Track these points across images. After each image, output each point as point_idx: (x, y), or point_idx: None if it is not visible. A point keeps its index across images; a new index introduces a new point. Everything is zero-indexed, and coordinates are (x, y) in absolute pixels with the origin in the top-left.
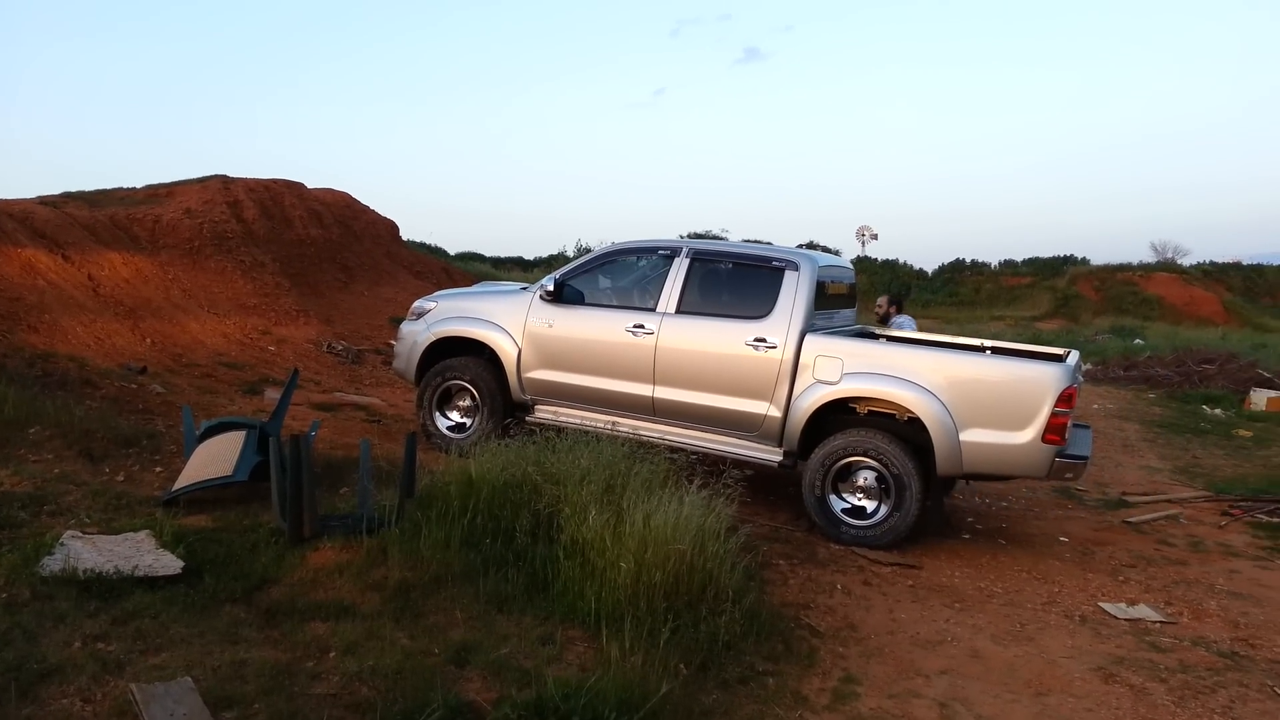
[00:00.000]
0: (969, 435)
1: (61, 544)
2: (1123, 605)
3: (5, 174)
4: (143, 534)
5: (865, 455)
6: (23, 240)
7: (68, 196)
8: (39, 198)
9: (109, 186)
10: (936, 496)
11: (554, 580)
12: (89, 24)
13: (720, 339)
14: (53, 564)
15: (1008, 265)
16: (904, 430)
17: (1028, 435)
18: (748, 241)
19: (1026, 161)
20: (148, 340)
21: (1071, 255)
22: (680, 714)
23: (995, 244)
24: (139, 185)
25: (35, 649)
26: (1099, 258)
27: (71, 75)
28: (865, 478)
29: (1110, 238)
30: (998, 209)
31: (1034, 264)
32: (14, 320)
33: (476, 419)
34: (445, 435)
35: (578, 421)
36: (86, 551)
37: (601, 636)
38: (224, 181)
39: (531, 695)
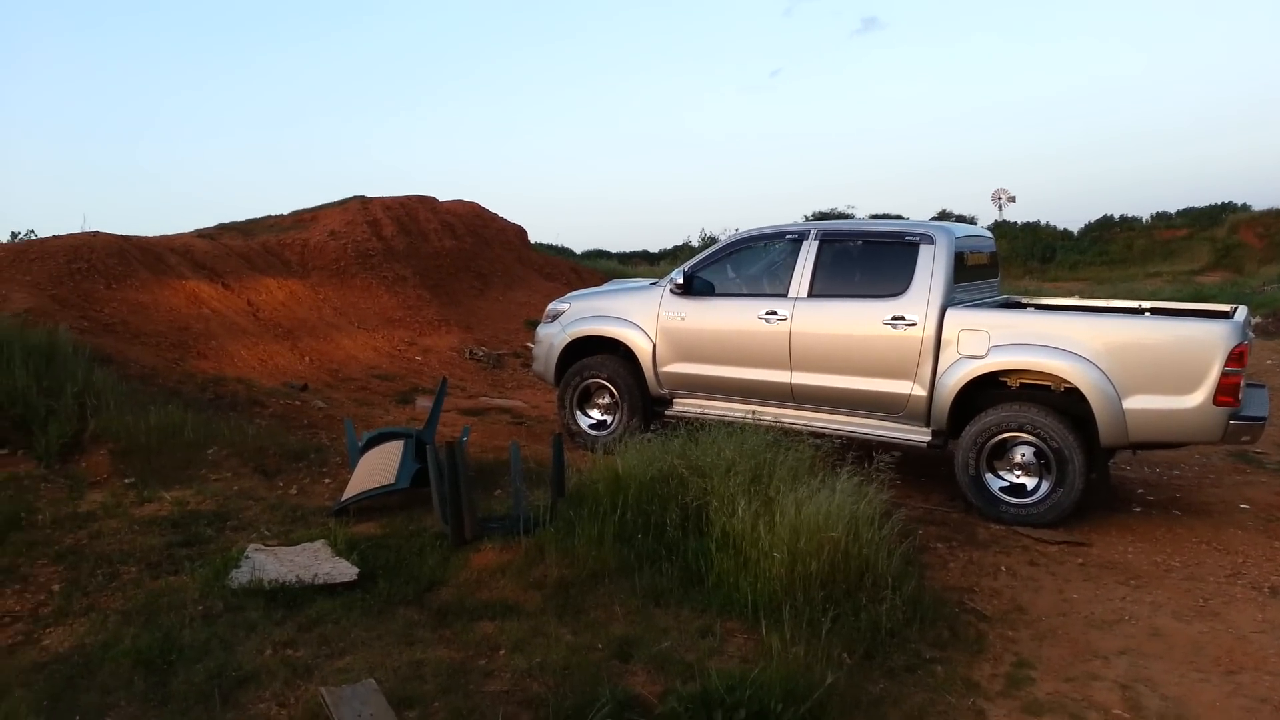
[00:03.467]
0: (1133, 403)
1: (247, 557)
2: None
3: (164, 211)
4: (319, 543)
5: (1021, 430)
6: (186, 273)
7: (222, 228)
8: (197, 231)
9: (258, 215)
10: (1101, 468)
11: (708, 572)
12: (219, 64)
13: (856, 320)
14: (240, 576)
15: (1160, 218)
16: (1061, 401)
17: (1197, 399)
18: (877, 218)
19: (1173, 106)
20: (306, 358)
21: (1230, 202)
22: (848, 704)
23: (1145, 196)
24: (285, 212)
25: (232, 657)
26: (1261, 202)
27: (210, 110)
28: (1023, 454)
29: (1272, 179)
30: (1145, 159)
31: (1189, 214)
32: (184, 349)
33: (617, 416)
34: (588, 433)
35: (717, 412)
36: (269, 563)
37: (761, 627)
38: (362, 202)
39: (696, 688)
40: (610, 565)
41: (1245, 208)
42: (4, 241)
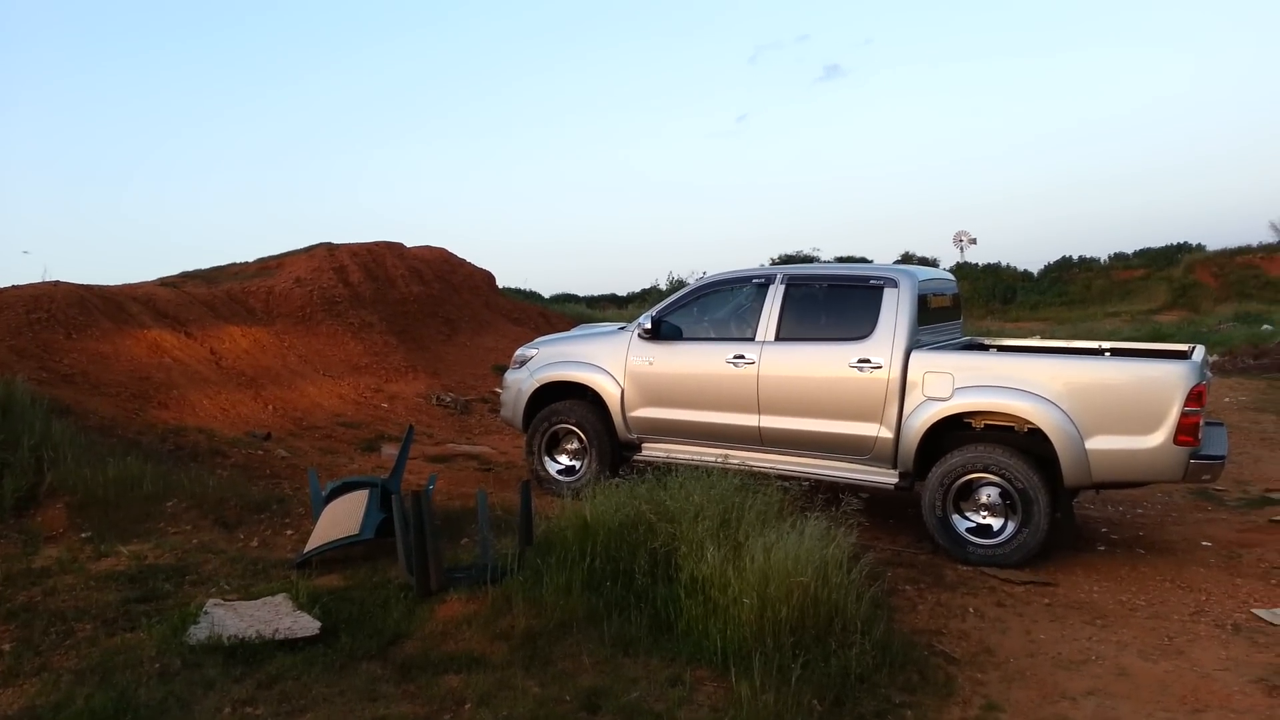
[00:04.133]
0: (1095, 443)
1: (205, 612)
2: (1279, 611)
3: (127, 260)
4: (280, 597)
5: (986, 471)
6: (148, 321)
7: (185, 276)
8: (160, 279)
9: (223, 263)
10: (1066, 508)
11: (677, 620)
12: (183, 111)
13: (823, 363)
14: (199, 632)
15: (1118, 258)
16: (1025, 442)
17: (1158, 439)
18: (842, 261)
19: (1129, 150)
20: (269, 407)
21: (1185, 242)
22: None
23: (1103, 238)
24: (250, 259)
25: (189, 716)
26: (1215, 242)
27: (178, 160)
28: (988, 494)
29: (1226, 221)
30: (1102, 202)
31: (1146, 255)
32: (145, 399)
33: (585, 461)
34: (556, 479)
35: (686, 457)
36: (229, 618)
37: (731, 675)
38: (329, 248)
39: None
40: (578, 614)
41: (1200, 248)
42: None
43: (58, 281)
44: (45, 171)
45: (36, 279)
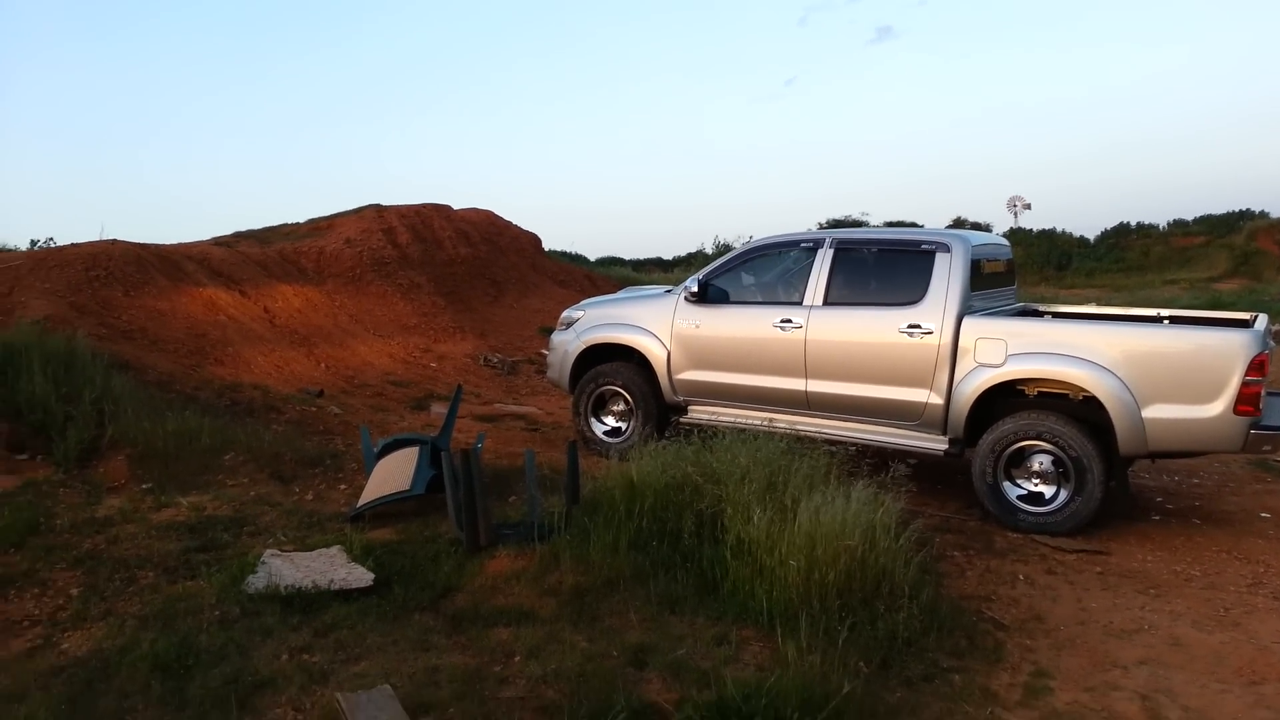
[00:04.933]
0: (1152, 411)
1: (263, 562)
2: None
3: (182, 219)
4: (335, 549)
5: (1039, 439)
6: (203, 280)
7: (239, 236)
8: (214, 239)
9: (275, 223)
10: (1120, 477)
11: (723, 580)
12: (235, 72)
13: (872, 328)
14: (257, 582)
15: (1178, 225)
16: (1080, 410)
17: (1217, 408)
18: (891, 225)
19: (1190, 111)
20: (322, 365)
21: (1248, 209)
22: (864, 714)
23: (1163, 203)
24: (301, 220)
25: (248, 662)
26: (1279, 209)
27: (226, 118)
28: (1041, 462)
29: None
30: (1161, 165)
31: (1207, 221)
32: (202, 355)
33: (631, 422)
34: (602, 440)
35: (732, 420)
36: (286, 568)
37: (777, 636)
38: (378, 210)
39: (712, 696)
40: (625, 572)
41: (1264, 215)
42: (23, 249)
43: (115, 240)
44: (103, 130)
45: (94, 237)
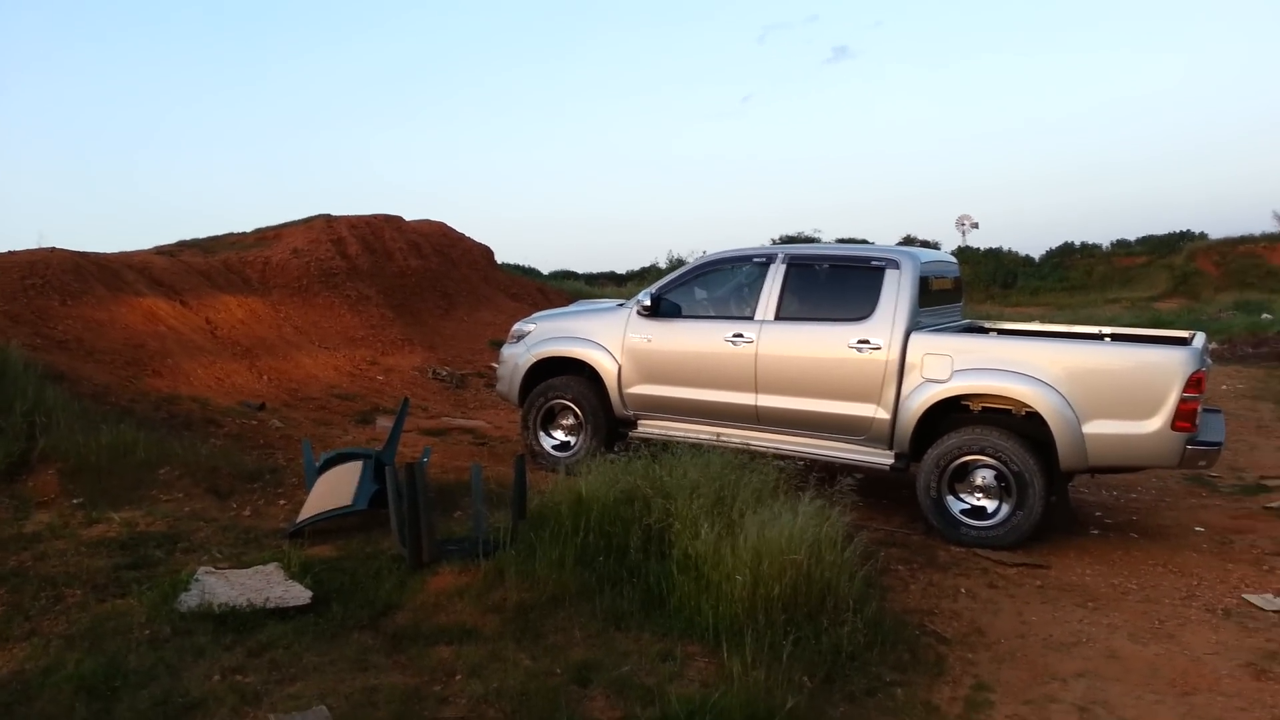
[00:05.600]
0: (1092, 427)
1: (196, 579)
2: (1269, 596)
3: (125, 227)
4: (271, 566)
5: (982, 453)
6: (143, 290)
7: (183, 245)
8: (156, 248)
9: (221, 232)
10: (1060, 492)
11: (669, 595)
12: (185, 78)
13: (822, 343)
14: (189, 600)
15: (1120, 245)
16: (1022, 425)
17: (1156, 424)
18: (843, 242)
19: (1133, 137)
20: (264, 377)
21: (1188, 230)
22: None
23: (1105, 224)
24: (248, 229)
25: (179, 683)
26: (1217, 231)
27: (178, 129)
28: (983, 476)
29: (1228, 209)
30: (1105, 188)
31: (1148, 242)
32: (139, 366)
33: (581, 437)
34: (551, 454)
35: (682, 434)
36: (220, 586)
37: (722, 651)
38: (327, 220)
39: (656, 713)
40: (571, 588)
41: (1203, 236)
42: None
43: (54, 248)
44: (45, 137)
45: (32, 244)
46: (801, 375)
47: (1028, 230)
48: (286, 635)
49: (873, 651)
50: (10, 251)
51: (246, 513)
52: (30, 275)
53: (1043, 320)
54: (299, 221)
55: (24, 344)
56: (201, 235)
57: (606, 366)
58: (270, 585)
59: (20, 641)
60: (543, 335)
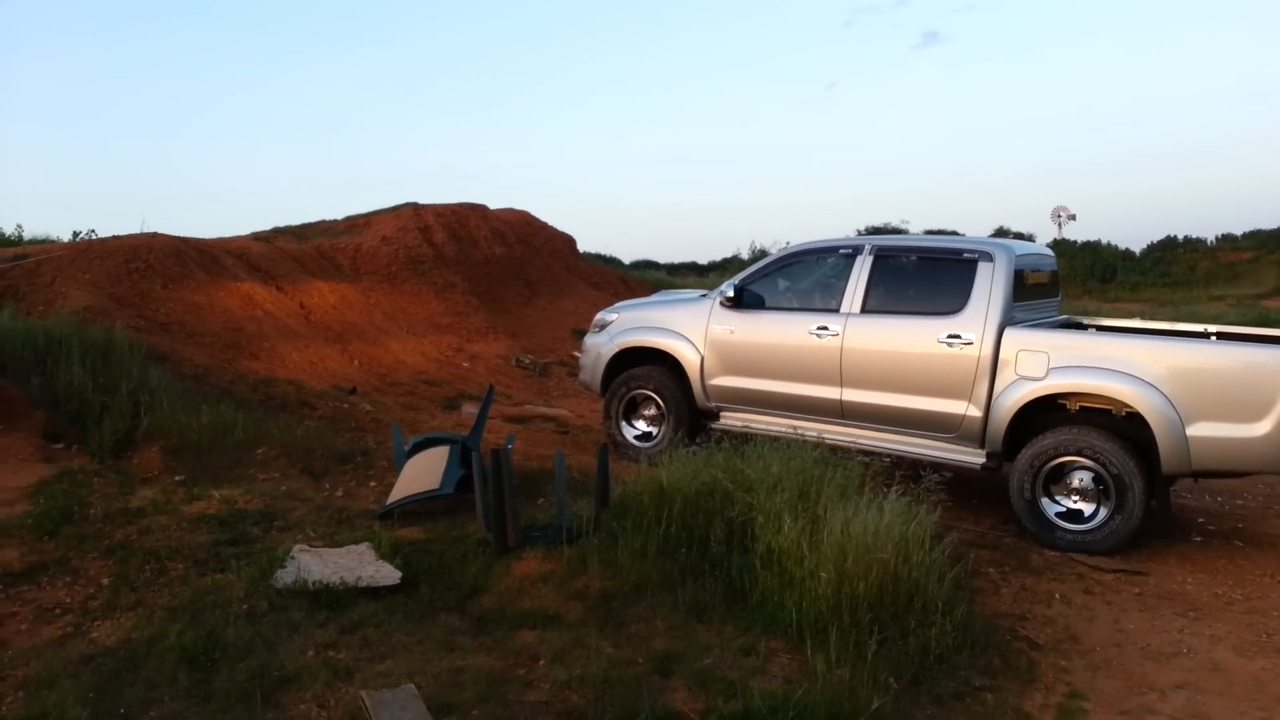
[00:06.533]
0: (1197, 429)
1: (292, 557)
2: None
3: (221, 213)
4: (363, 546)
5: (1079, 455)
6: (241, 275)
7: (277, 231)
8: (253, 234)
9: (313, 219)
10: (1161, 496)
11: (752, 590)
12: (278, 66)
13: (910, 337)
14: (285, 576)
15: (1226, 240)
16: (1122, 426)
17: (1265, 427)
18: (933, 233)
19: (1241, 125)
20: (355, 362)
21: None
22: None
23: (1210, 217)
24: (339, 217)
25: (275, 657)
26: None
27: (273, 116)
28: (1080, 479)
29: None
30: (1210, 177)
31: (1256, 237)
32: (238, 349)
33: (663, 427)
34: (633, 444)
35: (764, 427)
36: (314, 564)
37: (806, 648)
38: (415, 209)
39: (738, 707)
40: (653, 579)
41: None
42: (66, 241)
43: (155, 233)
44: (148, 124)
45: (135, 229)
46: (888, 370)
47: (1127, 223)
48: (377, 614)
49: (962, 655)
50: (114, 236)
51: (339, 493)
52: (134, 259)
53: (1144, 317)
54: (388, 210)
55: (128, 326)
56: (295, 222)
57: (689, 357)
58: (362, 564)
59: (127, 611)
60: (625, 325)
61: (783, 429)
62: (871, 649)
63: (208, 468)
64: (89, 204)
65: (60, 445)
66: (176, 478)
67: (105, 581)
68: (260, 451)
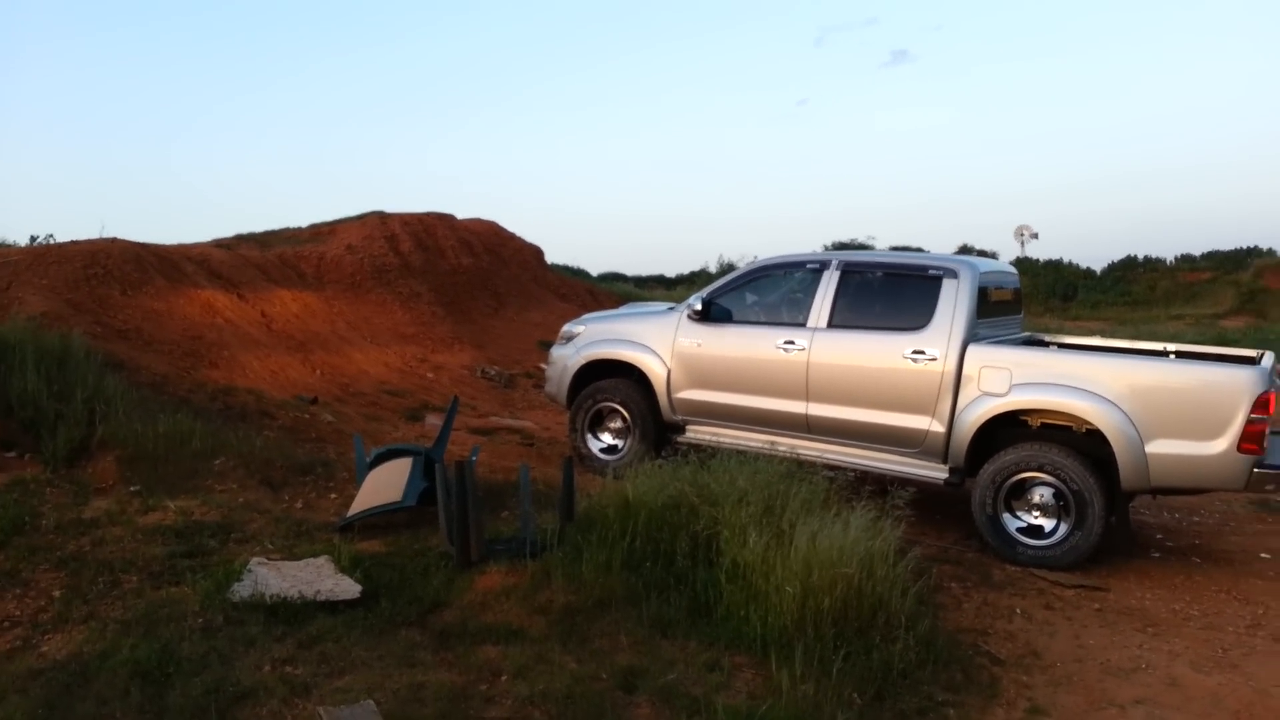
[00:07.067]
0: (1155, 447)
1: (249, 570)
2: None
3: (183, 219)
4: (322, 559)
5: (1040, 471)
6: (202, 282)
7: (240, 238)
8: (214, 241)
9: (276, 227)
10: (1121, 512)
11: (717, 604)
12: (242, 72)
13: (875, 352)
14: (242, 590)
15: (1185, 260)
16: (1082, 443)
17: (1221, 445)
18: (897, 249)
19: (1201, 148)
20: (317, 372)
21: (1255, 246)
22: None
23: (1170, 238)
24: (304, 225)
25: (230, 672)
26: None
27: (235, 122)
28: (1041, 494)
29: None
30: (1170, 200)
31: (1214, 257)
32: (196, 358)
33: (629, 440)
34: (598, 457)
35: (731, 441)
36: (272, 577)
37: (770, 663)
38: (381, 217)
39: None
40: (617, 593)
41: (1271, 252)
42: (22, 245)
43: (115, 238)
44: (106, 128)
45: (94, 234)
46: (854, 384)
47: (1089, 242)
48: (336, 628)
49: (925, 670)
50: (73, 241)
51: (298, 505)
52: (92, 265)
53: (1104, 335)
54: (353, 218)
55: (85, 332)
56: (258, 229)
57: (656, 370)
58: (321, 578)
59: (79, 624)
60: (592, 337)
61: (750, 443)
62: (836, 664)
63: (164, 478)
64: (46, 208)
65: (12, 454)
66: (132, 488)
67: (57, 594)
68: (218, 462)
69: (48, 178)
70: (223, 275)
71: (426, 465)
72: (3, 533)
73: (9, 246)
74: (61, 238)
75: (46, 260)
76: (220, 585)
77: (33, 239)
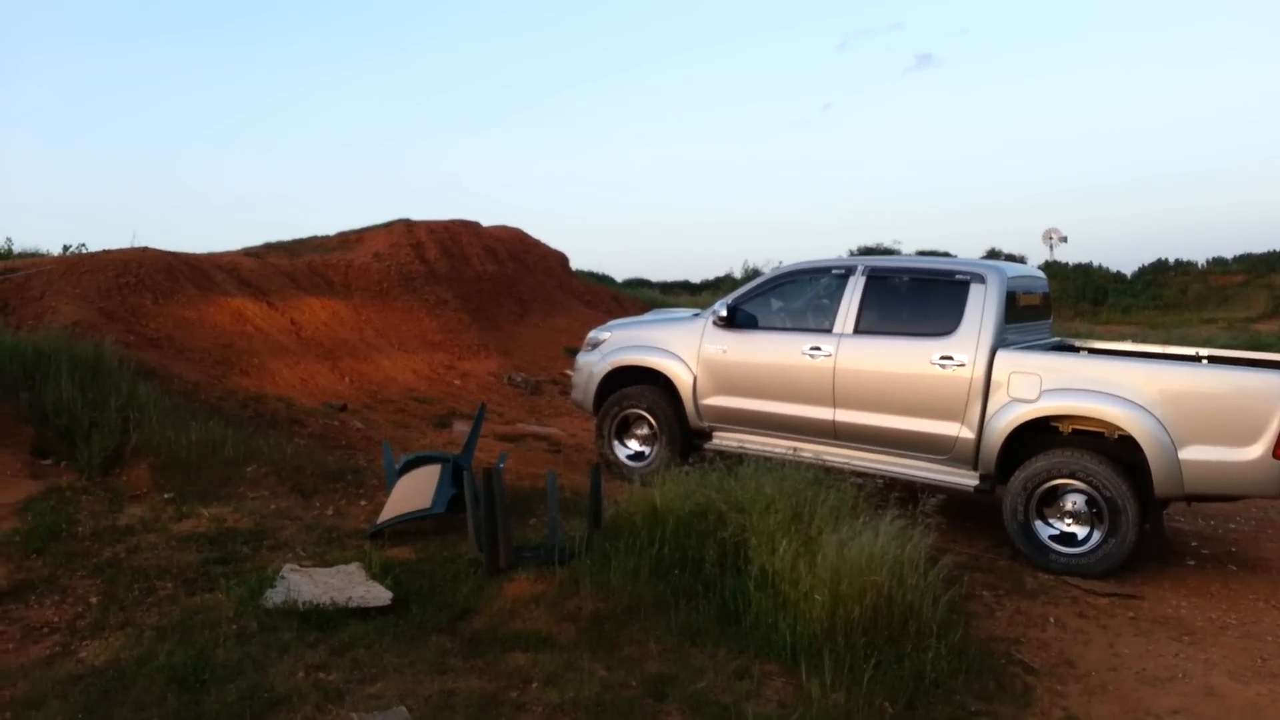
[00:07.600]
0: (1189, 453)
1: (282, 577)
2: None
3: (212, 228)
4: (353, 566)
5: (1072, 477)
6: (232, 290)
7: (269, 247)
8: (244, 249)
9: (305, 235)
10: (1155, 519)
11: (745, 612)
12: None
13: (902, 358)
14: (275, 596)
15: (1217, 263)
16: (1115, 449)
17: (1256, 451)
18: (925, 254)
19: (1232, 150)
20: (346, 379)
21: None
22: None
23: (1201, 241)
24: (331, 232)
25: (264, 678)
26: None
27: (264, 131)
28: (1074, 501)
29: None
30: (1201, 203)
31: (1246, 260)
32: (227, 365)
33: (655, 447)
34: (625, 464)
35: (757, 447)
36: (304, 584)
37: (800, 672)
38: (407, 225)
39: None
40: (646, 600)
41: None
42: (55, 255)
43: (146, 248)
44: (134, 139)
45: (126, 244)
46: (881, 390)
47: (1119, 245)
48: (368, 635)
49: (957, 679)
50: (105, 250)
51: (329, 512)
52: (124, 274)
53: (1135, 340)
54: (380, 225)
55: (118, 341)
56: (287, 237)
57: (681, 377)
58: (352, 585)
59: (116, 631)
60: (618, 344)
61: (777, 449)
62: (866, 673)
63: (197, 485)
64: (79, 218)
65: (48, 461)
66: (165, 495)
67: (93, 600)
68: (250, 469)
69: (79, 188)
70: (252, 283)
71: (455, 472)
72: (40, 539)
73: (42, 256)
74: (93, 247)
75: (79, 269)
76: (254, 592)
77: (65, 249)
